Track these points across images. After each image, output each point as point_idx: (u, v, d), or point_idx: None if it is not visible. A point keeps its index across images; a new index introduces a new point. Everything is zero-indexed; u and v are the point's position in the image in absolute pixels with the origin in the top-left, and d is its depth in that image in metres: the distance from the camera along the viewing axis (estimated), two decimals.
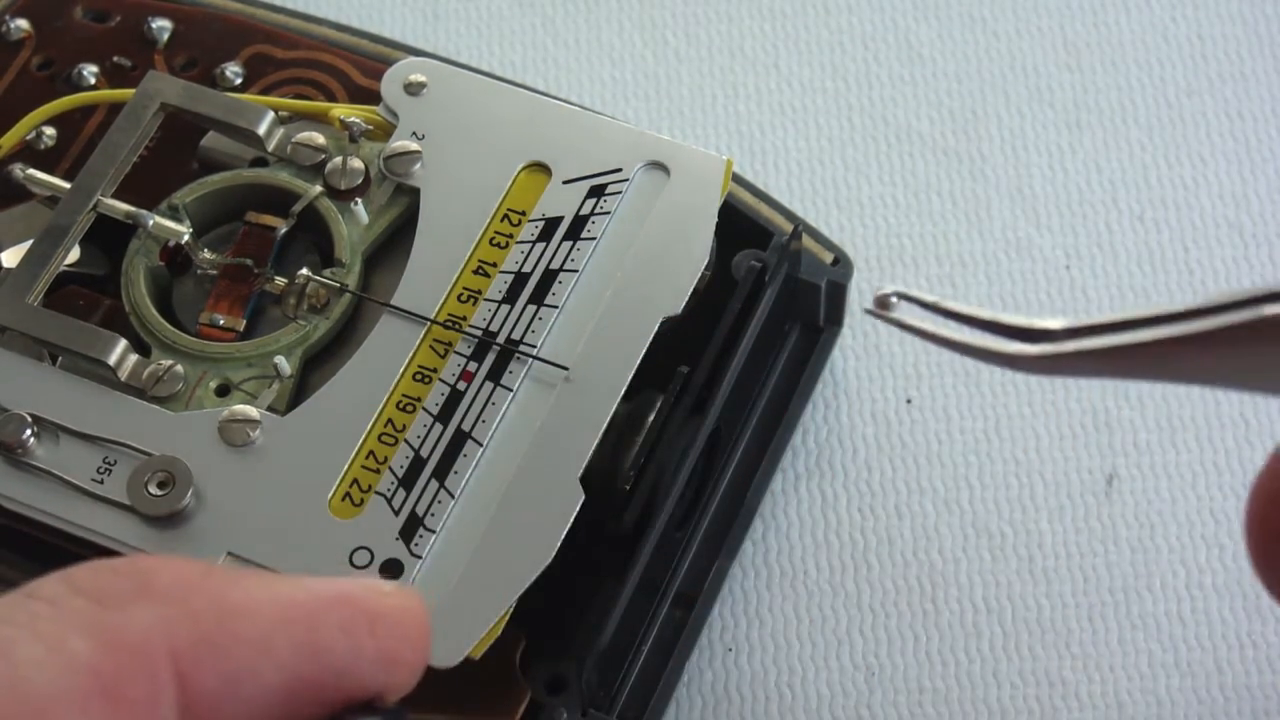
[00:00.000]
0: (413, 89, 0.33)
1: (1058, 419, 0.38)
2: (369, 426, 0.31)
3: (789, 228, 0.33)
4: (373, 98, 0.34)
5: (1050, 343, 0.25)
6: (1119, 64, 0.42)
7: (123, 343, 0.31)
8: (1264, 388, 0.23)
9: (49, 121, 0.34)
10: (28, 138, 0.34)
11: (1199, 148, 0.41)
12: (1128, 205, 0.40)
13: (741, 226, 0.34)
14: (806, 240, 0.34)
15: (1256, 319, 0.22)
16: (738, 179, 0.34)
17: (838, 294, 0.34)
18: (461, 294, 0.31)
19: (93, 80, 0.35)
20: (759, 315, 0.31)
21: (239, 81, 0.34)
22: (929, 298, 0.26)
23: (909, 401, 0.38)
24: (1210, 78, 0.42)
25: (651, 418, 0.32)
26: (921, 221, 0.40)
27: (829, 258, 0.34)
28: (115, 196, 0.33)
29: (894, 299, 0.26)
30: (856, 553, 0.37)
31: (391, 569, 0.30)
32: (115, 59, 0.35)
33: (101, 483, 0.31)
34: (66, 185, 0.32)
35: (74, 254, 0.33)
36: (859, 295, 0.38)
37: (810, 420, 0.37)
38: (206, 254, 0.32)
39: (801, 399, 0.34)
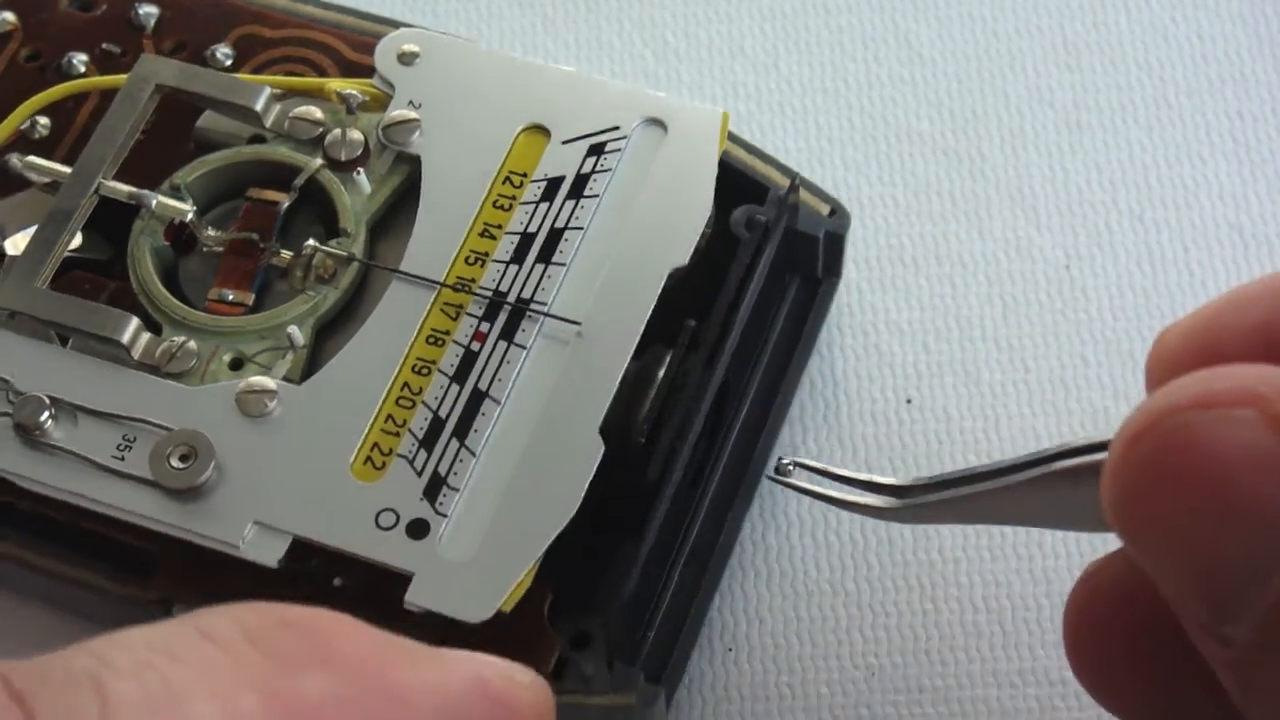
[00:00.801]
0: (406, 59, 0.35)
1: (1058, 419, 0.40)
2: (386, 390, 0.33)
3: (783, 182, 0.36)
4: (363, 72, 0.37)
5: (911, 498, 0.31)
6: (1119, 64, 0.44)
7: (135, 321, 0.34)
8: (1071, 526, 0.29)
9: (42, 111, 0.35)
10: (22, 128, 0.35)
11: (1199, 148, 0.43)
12: (1128, 205, 0.42)
13: (737, 183, 0.37)
14: (802, 193, 0.37)
15: (1051, 472, 0.27)
16: (731, 136, 0.37)
17: (836, 245, 0.37)
18: (469, 256, 0.33)
19: (82, 69, 0.37)
20: (762, 267, 0.34)
21: (229, 63, 0.37)
22: (818, 464, 0.33)
23: (909, 401, 0.40)
24: (1210, 78, 0.44)
25: (662, 372, 0.34)
26: (921, 221, 0.42)
27: (825, 209, 0.36)
28: (115, 180, 0.35)
29: (790, 466, 0.33)
30: (856, 553, 0.38)
31: (417, 529, 0.32)
32: (104, 46, 0.37)
33: (122, 459, 0.33)
34: (67, 170, 0.33)
35: (76, 240, 0.35)
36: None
37: (810, 421, 0.39)
38: (211, 231, 0.33)
39: (804, 351, 0.37)
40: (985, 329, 0.41)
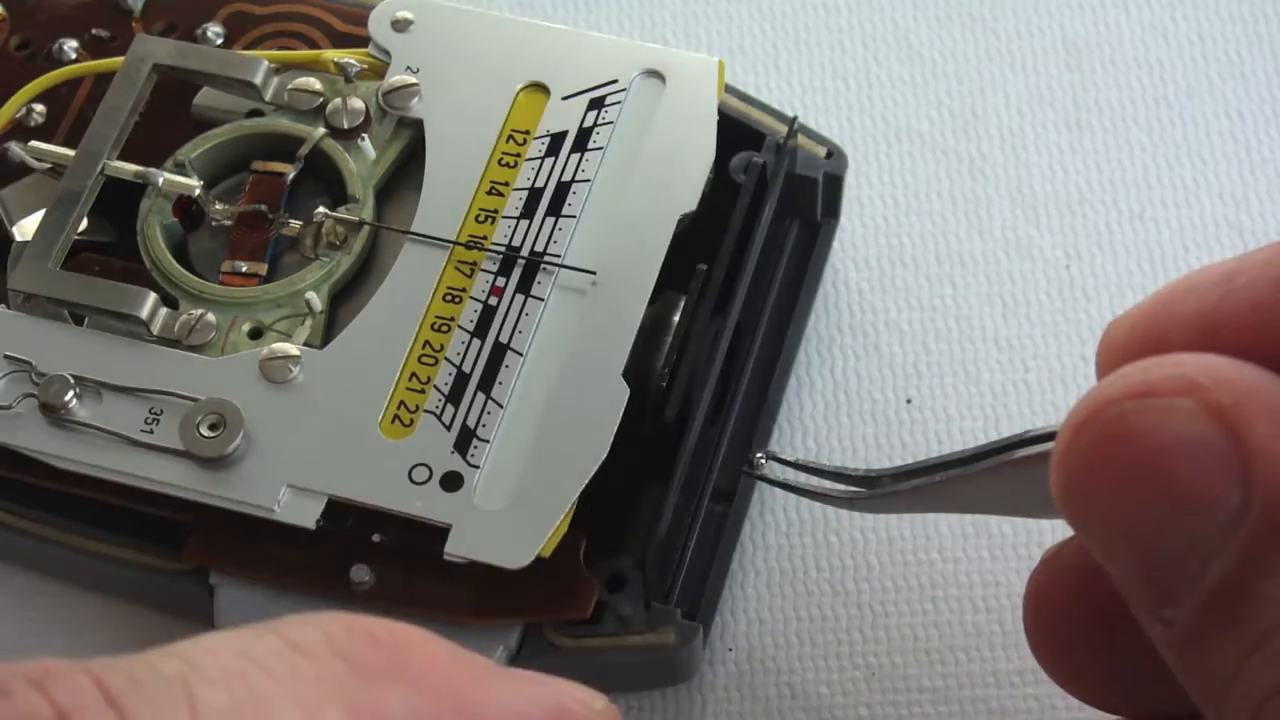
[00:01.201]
0: (400, 26, 0.38)
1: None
2: (408, 349, 0.36)
3: (778, 128, 0.39)
4: (356, 43, 0.41)
5: (879, 487, 0.33)
6: (1119, 64, 0.47)
7: (153, 296, 0.38)
8: (1031, 514, 0.31)
9: (37, 98, 0.36)
10: (17, 116, 0.35)
11: (1199, 148, 0.46)
12: (1128, 205, 0.45)
13: (733, 132, 0.40)
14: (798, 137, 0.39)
15: (1010, 460, 0.29)
16: (726, 87, 0.40)
17: (834, 186, 0.41)
18: (479, 215, 0.36)
19: (73, 55, 0.41)
20: (768, 208, 0.36)
21: (220, 42, 0.41)
22: (790, 457, 0.36)
23: (909, 401, 0.42)
24: (1210, 78, 0.47)
25: (677, 317, 0.37)
26: (921, 221, 0.45)
27: (822, 152, 0.38)
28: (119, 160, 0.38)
29: (763, 460, 0.36)
30: (856, 553, 0.40)
31: (451, 481, 0.35)
32: (94, 31, 0.38)
33: (151, 432, 0.35)
34: (71, 153, 0.34)
35: (82, 223, 0.38)
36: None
37: (810, 420, 0.42)
38: (218, 205, 0.34)
39: (809, 292, 0.41)
40: (985, 329, 0.43)
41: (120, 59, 0.39)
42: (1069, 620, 0.31)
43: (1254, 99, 0.46)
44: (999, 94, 0.46)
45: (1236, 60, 0.47)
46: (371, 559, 0.35)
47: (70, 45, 0.41)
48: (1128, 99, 0.46)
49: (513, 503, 0.34)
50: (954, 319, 0.43)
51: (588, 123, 0.38)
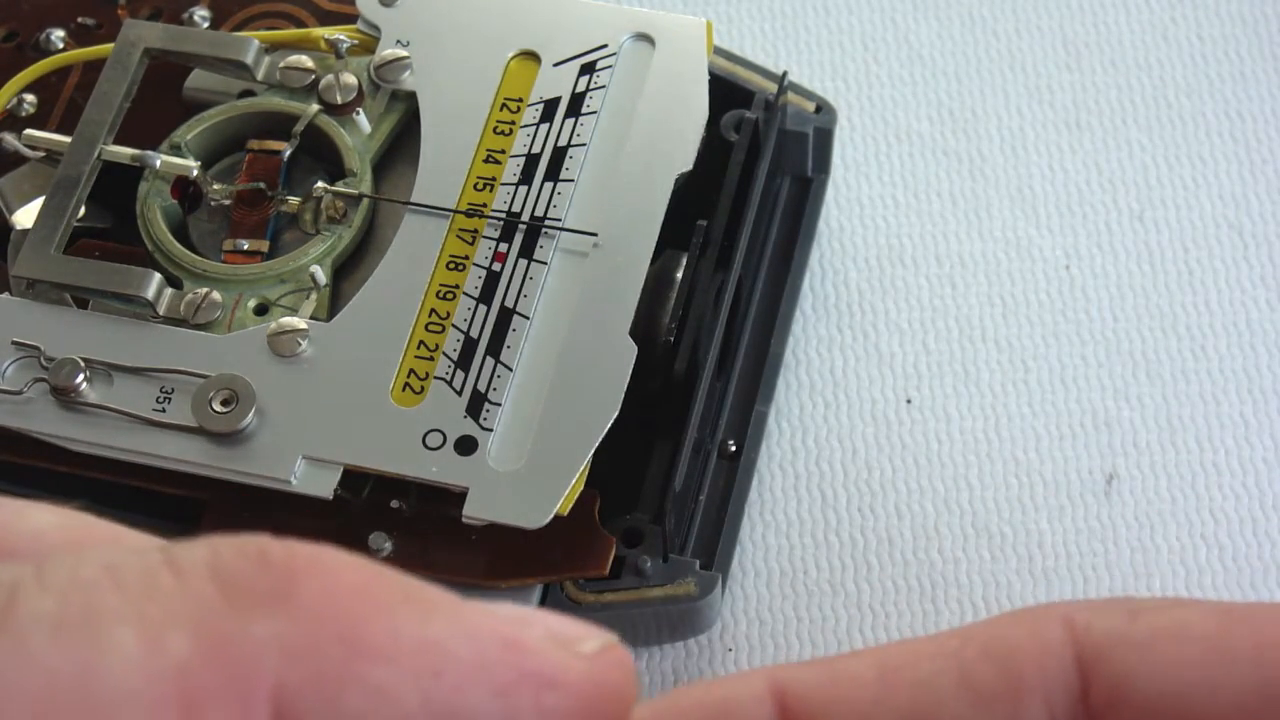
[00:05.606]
0: (387, 1, 0.37)
1: (1058, 419, 0.45)
2: (415, 318, 0.40)
3: (766, 85, 0.42)
4: (341, 20, 0.43)
5: None
6: (1119, 64, 0.51)
7: (158, 276, 0.40)
8: None
9: (27, 88, 0.38)
10: (9, 106, 0.37)
11: (1199, 148, 0.49)
12: (1128, 205, 0.49)
13: (721, 91, 0.43)
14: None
15: None
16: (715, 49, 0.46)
17: (824, 140, 0.43)
18: (477, 183, 0.38)
19: (61, 45, 0.44)
20: (763, 163, 0.39)
21: (206, 25, 0.40)
22: None
23: (909, 401, 0.46)
24: (1210, 78, 0.51)
25: (680, 273, 0.38)
26: (921, 221, 0.48)
27: (811, 107, 0.39)
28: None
29: None
30: (856, 553, 0.44)
31: (466, 445, 0.38)
32: (80, 20, 0.40)
33: (164, 411, 0.39)
34: (66, 139, 0.36)
35: (80, 209, 0.38)
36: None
37: (810, 420, 0.45)
38: (216, 186, 0.36)
39: (804, 248, 0.43)
40: (985, 329, 0.46)
41: (109, 45, 0.42)
42: None
43: (1254, 99, 0.50)
44: (999, 94, 0.49)
45: (1236, 60, 0.51)
46: (389, 526, 0.38)
47: (57, 34, 0.44)
48: (1128, 99, 0.49)
49: (528, 464, 0.37)
50: (954, 319, 0.46)
51: (580, 88, 0.42)
